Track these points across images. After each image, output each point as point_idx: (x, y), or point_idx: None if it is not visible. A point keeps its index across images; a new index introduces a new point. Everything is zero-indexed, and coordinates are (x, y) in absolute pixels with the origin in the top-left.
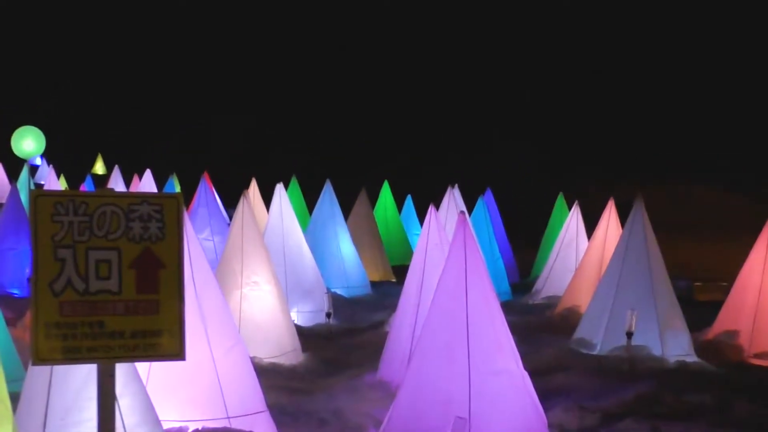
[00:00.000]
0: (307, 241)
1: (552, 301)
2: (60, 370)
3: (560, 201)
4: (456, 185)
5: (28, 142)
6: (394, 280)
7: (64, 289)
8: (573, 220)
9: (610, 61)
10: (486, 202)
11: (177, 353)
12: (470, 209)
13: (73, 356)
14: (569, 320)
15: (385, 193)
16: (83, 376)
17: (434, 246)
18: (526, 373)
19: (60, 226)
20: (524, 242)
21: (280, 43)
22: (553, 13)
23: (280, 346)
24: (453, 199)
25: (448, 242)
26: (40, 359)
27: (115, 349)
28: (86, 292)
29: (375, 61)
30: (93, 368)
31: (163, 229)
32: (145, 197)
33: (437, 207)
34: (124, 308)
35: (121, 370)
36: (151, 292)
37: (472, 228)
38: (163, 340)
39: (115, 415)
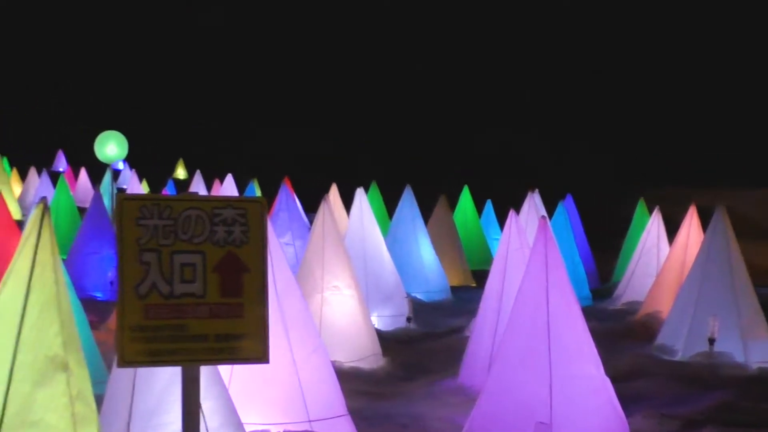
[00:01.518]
0: (387, 245)
1: (632, 307)
2: (143, 372)
3: (641, 206)
4: (536, 190)
5: (111, 147)
6: (473, 284)
7: (149, 292)
8: (654, 225)
9: (689, 64)
10: (566, 208)
11: (261, 356)
12: (550, 214)
13: (157, 359)
14: (650, 326)
15: (465, 198)
16: (166, 378)
17: (515, 251)
18: (607, 379)
19: (145, 230)
20: (604, 247)
21: (361, 48)
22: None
23: (360, 351)
24: (533, 204)
25: (529, 247)
26: (126, 362)
27: (199, 352)
28: (171, 295)
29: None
30: (176, 371)
31: (246, 233)
32: (229, 201)
33: (517, 212)
34: (209, 312)
35: (203, 373)
36: (235, 295)
37: (552, 233)
38: (246, 343)
39: (199, 418)
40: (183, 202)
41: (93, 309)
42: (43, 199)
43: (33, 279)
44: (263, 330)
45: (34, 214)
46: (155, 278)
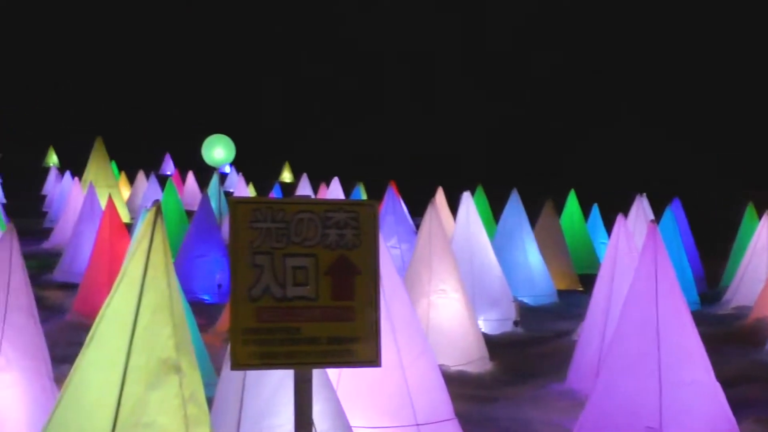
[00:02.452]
0: (494, 249)
1: (742, 312)
2: (253, 375)
3: (750, 210)
4: (644, 194)
5: (219, 151)
6: (580, 288)
7: (261, 295)
8: (764, 229)
9: None
10: (674, 212)
11: (372, 360)
12: (657, 218)
13: (270, 362)
14: (759, 331)
15: (572, 202)
16: (276, 381)
17: (624, 255)
18: (717, 384)
19: (258, 233)
20: (712, 252)
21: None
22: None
23: (467, 354)
24: (641, 209)
25: (637, 251)
26: (238, 364)
27: (311, 355)
28: (283, 298)
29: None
30: (286, 374)
31: (358, 236)
32: (341, 204)
33: (625, 216)
34: (321, 314)
35: (313, 376)
36: (347, 298)
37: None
38: (358, 346)
39: (312, 421)
40: (295, 205)
41: (201, 312)
42: (156, 202)
43: (146, 282)
44: (375, 333)
45: (147, 217)
46: (268, 281)
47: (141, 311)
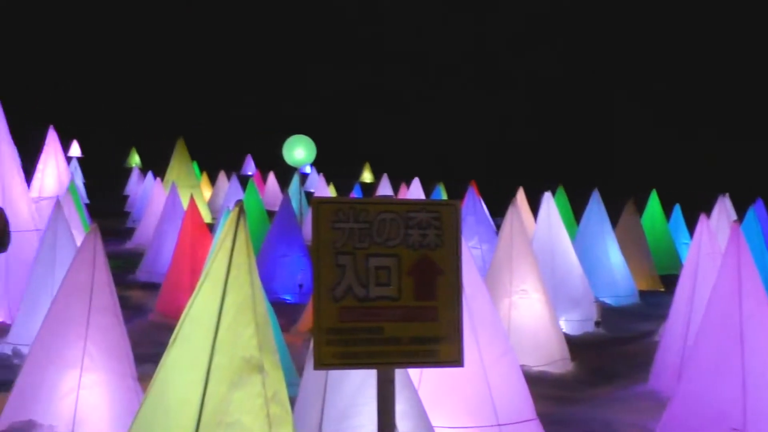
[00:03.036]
0: (575, 249)
1: None
2: (335, 375)
3: None
4: (726, 194)
5: (299, 151)
6: (662, 289)
7: (344, 295)
8: None
9: None
10: (757, 212)
11: (455, 360)
12: (740, 219)
13: (352, 362)
14: None
15: (653, 202)
16: (358, 381)
17: (706, 256)
18: None
19: (340, 233)
20: None
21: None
22: None
23: (548, 355)
24: (724, 209)
25: (720, 252)
26: (321, 364)
27: (394, 355)
28: (366, 298)
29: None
30: (367, 374)
31: (441, 237)
32: (423, 204)
33: (708, 216)
34: (403, 315)
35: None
36: (430, 298)
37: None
38: (441, 346)
39: (395, 420)
40: (378, 205)
41: (282, 312)
42: (239, 202)
43: (229, 281)
44: (458, 333)
45: (230, 217)
46: (350, 281)
47: (224, 311)
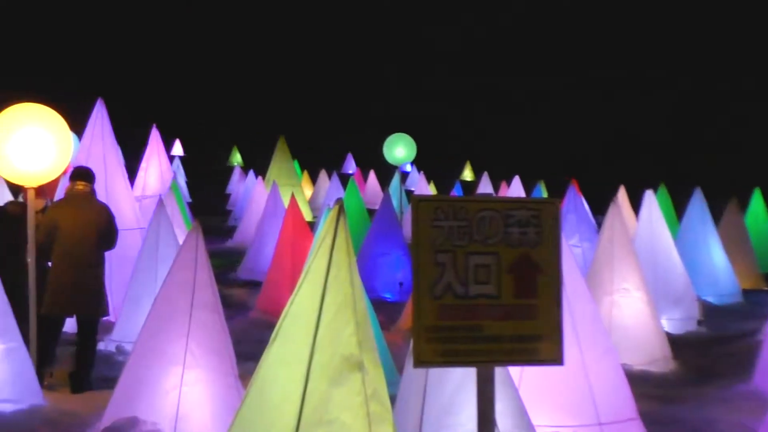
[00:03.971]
0: (677, 247)
1: None
2: (435, 373)
3: None
4: None
5: (400, 149)
6: (766, 288)
7: (443, 293)
8: None
9: None
10: None
11: (556, 358)
12: None
13: (452, 360)
14: None
15: (757, 201)
16: (458, 379)
17: None
18: None
19: (440, 231)
20: None
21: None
22: None
23: (650, 354)
24: None
25: None
26: (421, 362)
27: (494, 353)
28: (465, 296)
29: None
30: (467, 371)
31: (540, 235)
32: (523, 203)
33: None
34: (503, 313)
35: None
36: (530, 297)
37: None
38: (541, 345)
39: (494, 419)
40: (477, 203)
41: (383, 310)
42: (339, 200)
43: (329, 279)
44: (558, 332)
45: (330, 215)
46: (450, 279)
47: (324, 309)
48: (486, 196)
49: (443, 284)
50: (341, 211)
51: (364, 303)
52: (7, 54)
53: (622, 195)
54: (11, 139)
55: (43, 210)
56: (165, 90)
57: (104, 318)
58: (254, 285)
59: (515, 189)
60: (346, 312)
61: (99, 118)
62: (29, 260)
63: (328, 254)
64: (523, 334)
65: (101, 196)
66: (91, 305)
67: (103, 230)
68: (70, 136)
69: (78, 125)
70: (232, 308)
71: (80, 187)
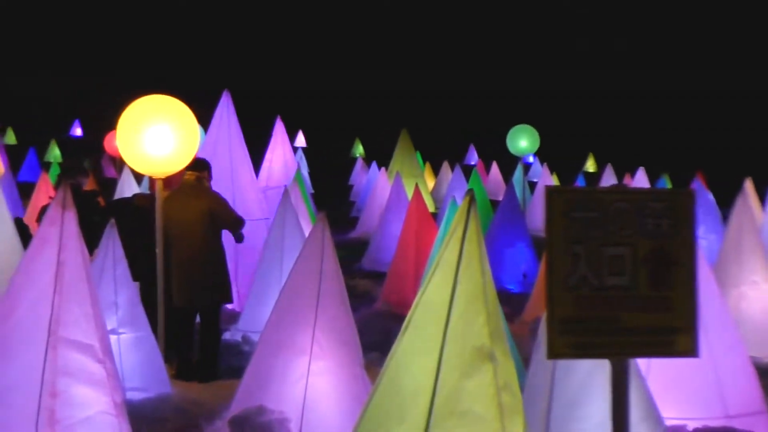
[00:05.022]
0: None
1: None
2: (563, 364)
3: None
4: None
5: (523, 141)
6: None
7: (578, 284)
8: None
9: None
10: None
11: (691, 351)
12: None
13: (585, 352)
14: None
15: None
16: (585, 370)
17: None
18: None
19: (574, 222)
20: None
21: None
22: None
23: None
24: None
25: None
26: (555, 354)
27: (628, 345)
28: (600, 288)
29: None
30: (595, 363)
31: (674, 226)
32: (657, 194)
33: None
34: (638, 304)
35: None
36: (665, 288)
37: None
38: (677, 337)
39: (629, 411)
40: (611, 194)
41: (507, 301)
42: (471, 191)
43: (460, 270)
44: (694, 324)
45: (461, 206)
46: (584, 270)
47: (455, 300)
48: (620, 187)
49: (577, 276)
50: (472, 202)
51: (494, 294)
52: (137, 48)
53: (748, 187)
54: (141, 130)
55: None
56: (289, 82)
57: (230, 308)
58: (377, 276)
59: (639, 181)
60: (478, 303)
61: (225, 110)
62: (157, 251)
63: (459, 245)
64: (658, 326)
65: (226, 187)
66: (205, 295)
67: (215, 218)
68: (197, 127)
69: (204, 117)
70: (355, 299)
71: (187, 176)
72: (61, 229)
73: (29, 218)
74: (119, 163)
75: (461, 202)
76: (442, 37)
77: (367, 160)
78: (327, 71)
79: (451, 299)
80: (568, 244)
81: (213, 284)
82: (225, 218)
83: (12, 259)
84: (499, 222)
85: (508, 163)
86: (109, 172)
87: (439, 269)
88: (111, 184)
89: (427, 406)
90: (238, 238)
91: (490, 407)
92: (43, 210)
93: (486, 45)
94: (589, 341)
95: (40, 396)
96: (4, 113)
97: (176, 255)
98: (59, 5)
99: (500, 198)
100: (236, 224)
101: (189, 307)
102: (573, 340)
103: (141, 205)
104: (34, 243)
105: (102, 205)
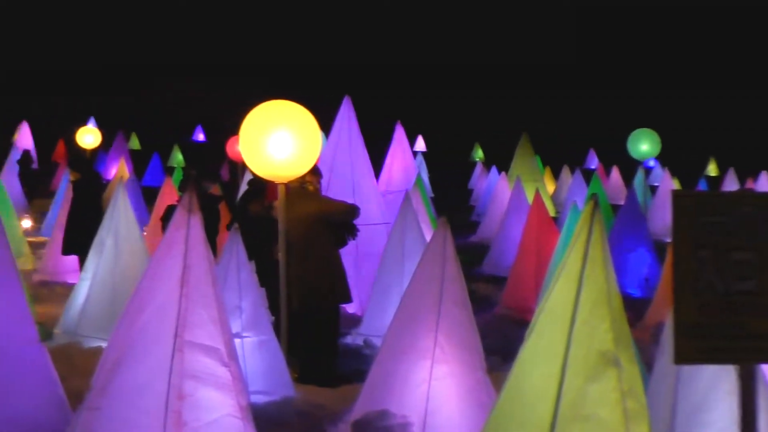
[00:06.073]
0: None
1: None
2: (686, 370)
3: None
4: None
5: (645, 145)
6: None
7: (704, 290)
8: None
9: None
10: None
11: None
12: None
13: (712, 357)
14: None
15: None
16: (710, 375)
17: None
18: None
19: (701, 227)
20: None
21: None
22: None
23: None
24: None
25: None
26: (682, 359)
27: (756, 350)
28: (726, 293)
29: None
30: (720, 368)
31: None
32: None
33: None
34: (765, 310)
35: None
36: None
37: None
38: None
39: (757, 417)
40: (738, 198)
41: (629, 306)
42: (595, 196)
43: (584, 275)
44: None
45: (585, 211)
46: (711, 275)
47: (580, 305)
48: (748, 191)
49: (703, 281)
50: (596, 207)
51: (619, 299)
52: (258, 54)
53: None
54: (264, 135)
55: (270, 207)
56: (408, 87)
57: (351, 311)
58: (497, 280)
59: (762, 185)
60: (602, 308)
61: (346, 116)
62: (279, 256)
63: (583, 250)
64: None
65: (347, 191)
66: (320, 298)
67: (328, 217)
68: (319, 133)
69: (325, 123)
70: (476, 303)
71: (292, 183)
72: (187, 233)
73: (153, 222)
74: (241, 168)
75: (582, 207)
76: (562, 43)
77: (487, 164)
78: (447, 75)
79: (575, 305)
80: (694, 249)
81: (328, 287)
82: (337, 212)
83: (139, 261)
84: (621, 226)
85: (629, 166)
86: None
87: (563, 275)
88: (233, 189)
89: (551, 411)
90: (352, 231)
91: (615, 412)
92: (169, 209)
93: (607, 49)
94: (715, 346)
95: (167, 398)
96: (130, 119)
97: (289, 260)
98: (185, 14)
99: (621, 202)
100: (351, 212)
101: (306, 311)
102: (699, 345)
103: (255, 212)
104: (161, 246)
105: (223, 210)
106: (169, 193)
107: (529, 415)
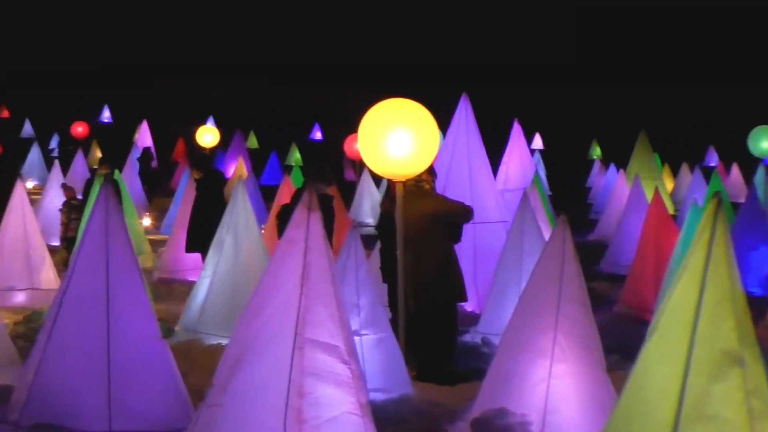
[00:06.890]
0: None
1: None
2: None
3: None
4: None
5: (765, 142)
6: None
7: None
8: None
9: None
10: None
11: None
12: None
13: None
14: None
15: None
16: None
17: None
18: None
19: None
20: None
21: None
22: None
23: None
24: None
25: None
26: None
27: None
28: None
29: None
30: None
31: None
32: None
33: None
34: None
35: None
36: None
37: None
38: None
39: None
40: None
41: (750, 305)
42: (717, 194)
43: (708, 274)
44: None
45: (708, 209)
46: None
47: (703, 304)
48: None
49: None
50: (719, 205)
51: (743, 298)
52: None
53: None
54: (383, 134)
55: None
56: (526, 84)
57: (469, 310)
58: (617, 279)
59: None
60: (726, 307)
61: (463, 113)
62: (398, 253)
63: (706, 249)
64: None
65: (464, 190)
66: (437, 296)
67: (443, 216)
68: (437, 131)
69: (443, 120)
70: (595, 301)
71: (407, 182)
72: (307, 232)
73: (271, 220)
74: (359, 166)
75: (703, 205)
76: (684, 42)
77: (604, 162)
78: (564, 73)
79: (699, 304)
80: None
81: (444, 285)
82: (452, 212)
83: (257, 259)
84: (741, 225)
85: (749, 164)
86: (349, 174)
87: (685, 274)
88: (351, 187)
89: (673, 411)
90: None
91: (739, 412)
92: (283, 208)
93: (726, 48)
94: None
95: (288, 395)
96: (247, 118)
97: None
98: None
99: (741, 200)
100: (466, 213)
101: (423, 309)
102: None
103: (386, 209)
104: (282, 245)
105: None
106: (287, 192)
107: (651, 415)
